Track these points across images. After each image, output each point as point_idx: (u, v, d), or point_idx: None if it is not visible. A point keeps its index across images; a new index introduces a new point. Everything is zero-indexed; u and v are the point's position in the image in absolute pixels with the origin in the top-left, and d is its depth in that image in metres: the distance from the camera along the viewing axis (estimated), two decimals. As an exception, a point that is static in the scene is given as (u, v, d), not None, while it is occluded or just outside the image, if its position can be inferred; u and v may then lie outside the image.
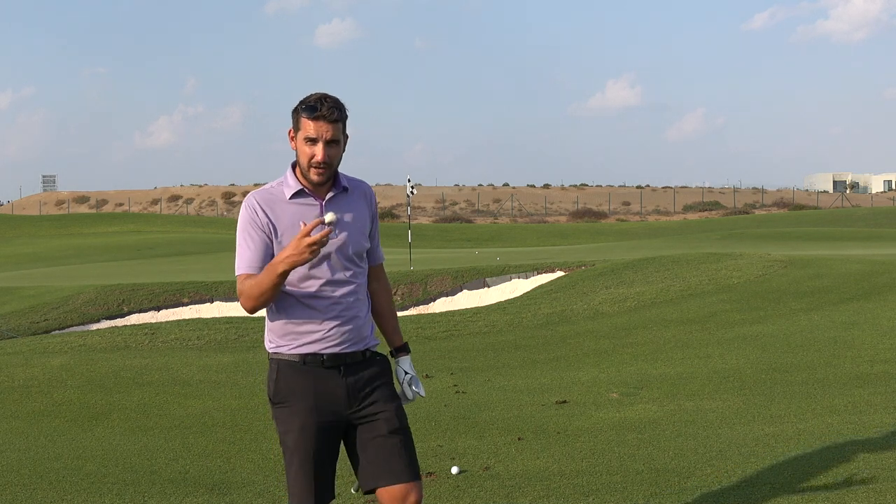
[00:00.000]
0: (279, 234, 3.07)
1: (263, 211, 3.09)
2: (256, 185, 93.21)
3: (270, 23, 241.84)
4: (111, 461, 5.74)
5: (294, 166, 3.13)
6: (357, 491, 3.29)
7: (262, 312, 3.21)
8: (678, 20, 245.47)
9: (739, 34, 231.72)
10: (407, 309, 17.08)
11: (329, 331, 3.09)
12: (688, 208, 71.39)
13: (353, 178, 3.25)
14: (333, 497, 3.19)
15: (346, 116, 3.10)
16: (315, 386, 3.09)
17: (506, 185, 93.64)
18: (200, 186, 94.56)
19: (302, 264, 2.91)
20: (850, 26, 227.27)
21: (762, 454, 5.20)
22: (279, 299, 3.10)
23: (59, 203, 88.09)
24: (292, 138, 3.11)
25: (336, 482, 3.24)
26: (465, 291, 17.82)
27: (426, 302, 17.61)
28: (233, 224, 55.26)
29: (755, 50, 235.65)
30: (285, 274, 2.93)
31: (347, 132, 3.13)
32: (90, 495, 5.00)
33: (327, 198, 3.12)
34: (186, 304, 17.32)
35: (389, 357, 3.33)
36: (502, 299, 15.80)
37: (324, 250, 3.06)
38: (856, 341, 8.87)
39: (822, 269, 13.52)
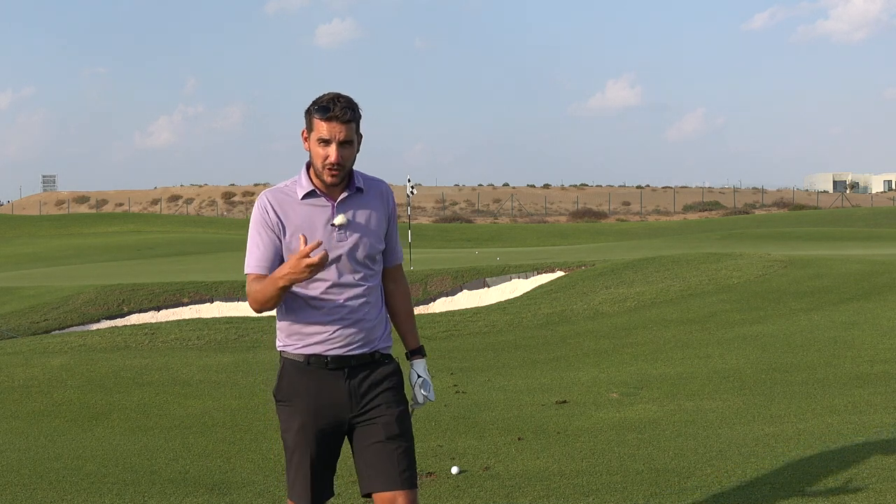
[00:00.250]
0: (288, 234, 3.06)
1: (274, 210, 3.08)
2: (256, 185, 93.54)
3: (270, 23, 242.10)
4: (111, 461, 5.74)
5: (308, 166, 3.10)
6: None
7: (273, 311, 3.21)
8: (678, 20, 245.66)
9: (739, 34, 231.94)
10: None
11: (334, 332, 3.07)
12: (688, 208, 71.39)
13: (371, 177, 3.20)
14: (332, 495, 3.19)
15: (360, 116, 3.07)
16: (318, 387, 3.09)
17: (506, 185, 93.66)
18: (200, 186, 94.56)
19: (301, 282, 2.90)
20: (850, 26, 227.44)
21: (762, 454, 5.20)
22: (289, 299, 3.10)
23: (59, 203, 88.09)
24: (305, 139, 3.08)
25: (335, 481, 3.24)
26: (465, 291, 17.81)
27: (426, 302, 17.61)
28: (232, 224, 55.27)
29: (755, 50, 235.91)
30: (286, 288, 2.93)
31: (361, 132, 3.09)
32: (90, 495, 5.00)
33: (340, 199, 3.09)
34: (186, 304, 17.31)
35: (405, 359, 3.31)
36: (502, 299, 15.80)
37: (333, 253, 3.05)
38: (856, 341, 8.87)
39: (822, 269, 13.52)
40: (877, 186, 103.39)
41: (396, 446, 3.07)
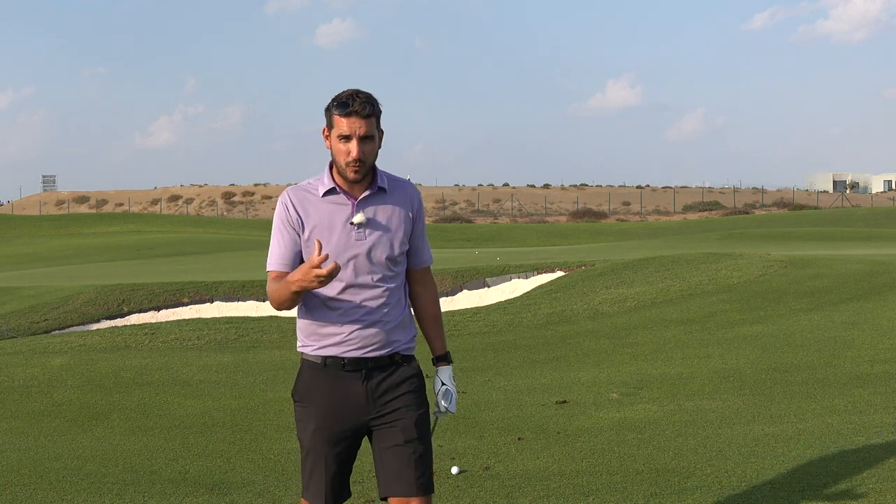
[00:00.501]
0: (306, 231, 3.04)
1: (295, 207, 3.06)
2: (256, 185, 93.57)
3: (270, 23, 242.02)
4: (111, 461, 5.74)
5: (331, 165, 3.08)
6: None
7: (293, 313, 3.20)
8: (678, 20, 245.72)
9: (739, 34, 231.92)
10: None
11: (350, 334, 3.04)
12: (688, 208, 71.38)
13: (397, 177, 3.18)
14: (349, 496, 3.18)
15: (380, 111, 3.04)
16: (334, 388, 3.07)
17: (506, 185, 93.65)
18: (200, 186, 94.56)
19: (312, 290, 2.89)
20: (850, 26, 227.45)
21: (762, 454, 5.20)
22: (307, 299, 3.08)
23: (59, 203, 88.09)
24: (326, 137, 3.05)
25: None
26: (465, 291, 17.81)
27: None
28: (232, 224, 55.29)
29: (755, 50, 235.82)
30: (299, 293, 2.92)
31: (382, 127, 3.07)
32: (90, 495, 5.00)
33: (361, 197, 3.06)
34: (186, 304, 17.30)
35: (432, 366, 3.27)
36: (502, 299, 15.79)
37: (350, 252, 3.03)
38: (856, 341, 8.87)
39: (822, 269, 13.52)
40: (877, 186, 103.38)
41: (413, 451, 3.04)
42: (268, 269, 3.09)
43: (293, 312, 3.22)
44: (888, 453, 5.03)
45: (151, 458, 5.81)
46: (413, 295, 3.25)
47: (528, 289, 16.35)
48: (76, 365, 8.99)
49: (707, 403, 6.85)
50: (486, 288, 17.91)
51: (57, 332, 14.78)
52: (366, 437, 3.16)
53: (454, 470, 5.21)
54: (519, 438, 5.98)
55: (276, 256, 3.07)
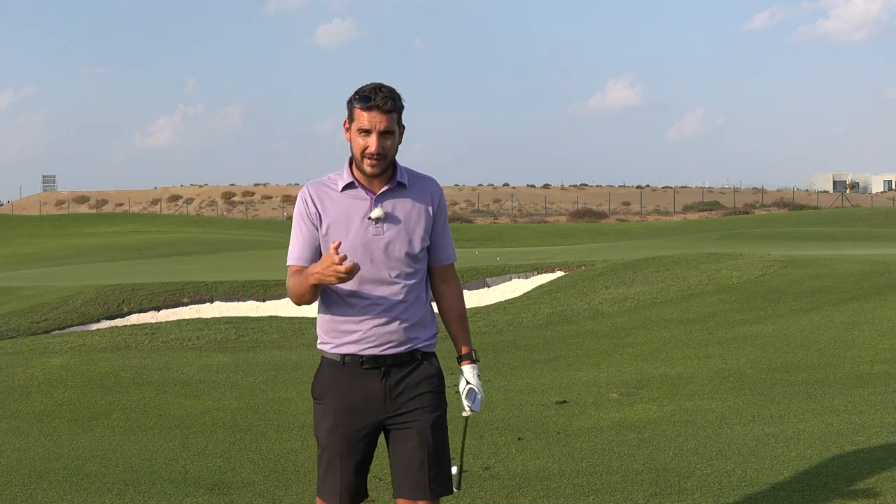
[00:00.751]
0: (324, 225, 3.03)
1: (314, 202, 3.05)
2: (256, 186, 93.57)
3: (270, 23, 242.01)
4: (111, 461, 5.74)
5: (352, 160, 3.06)
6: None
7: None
8: (678, 20, 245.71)
9: (739, 34, 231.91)
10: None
11: (368, 331, 3.02)
12: (688, 208, 71.39)
13: (419, 173, 3.15)
14: (366, 496, 3.15)
15: (402, 106, 3.01)
16: (352, 386, 3.05)
17: (506, 185, 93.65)
18: (200, 186, 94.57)
19: (330, 284, 2.86)
20: (850, 26, 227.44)
21: (762, 454, 5.20)
22: (325, 295, 3.06)
23: (59, 203, 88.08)
24: (347, 129, 3.03)
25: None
26: (465, 292, 17.79)
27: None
28: (232, 224, 55.27)
29: (755, 50, 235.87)
30: (317, 287, 2.90)
31: (404, 123, 3.05)
32: (90, 495, 5.00)
33: (379, 192, 3.04)
34: (186, 304, 17.30)
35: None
36: (502, 299, 15.79)
37: (367, 248, 3.01)
38: (856, 341, 8.87)
39: (822, 269, 13.52)
40: (877, 186, 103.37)
41: (428, 453, 3.03)
42: (287, 264, 3.06)
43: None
44: (888, 453, 5.03)
45: (151, 458, 5.81)
46: (436, 292, 3.22)
47: (528, 289, 16.35)
48: (76, 365, 8.98)
49: (707, 403, 6.85)
50: (486, 288, 17.91)
51: (57, 332, 14.78)
52: (382, 436, 3.14)
53: (454, 470, 5.20)
54: (519, 438, 5.98)
55: (295, 251, 3.06)
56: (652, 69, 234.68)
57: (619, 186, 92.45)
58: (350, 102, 3.00)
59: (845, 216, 47.39)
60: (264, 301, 17.08)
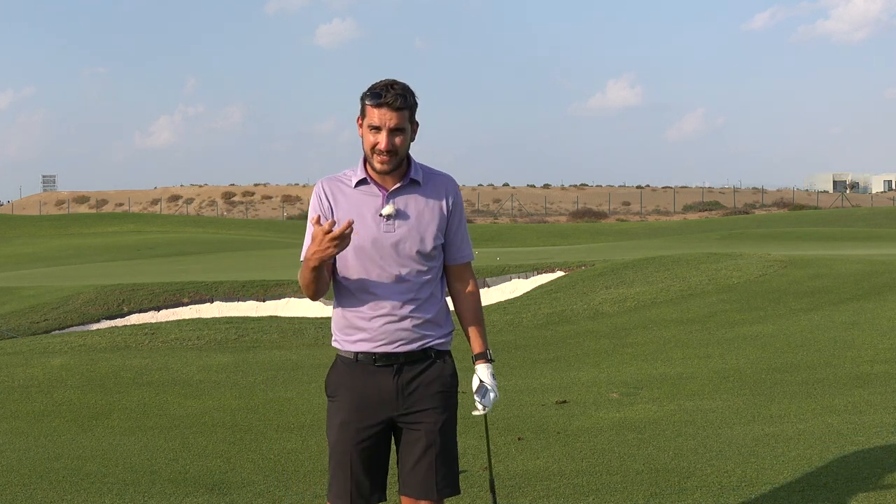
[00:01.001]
0: (336, 221, 3.00)
1: (327, 197, 3.05)
2: (256, 186, 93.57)
3: (270, 23, 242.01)
4: (111, 461, 5.74)
5: (366, 156, 3.04)
6: None
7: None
8: (678, 20, 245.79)
9: (739, 34, 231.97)
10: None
11: (380, 328, 3.01)
12: (688, 208, 71.38)
13: (435, 170, 3.13)
14: (383, 498, 3.11)
15: (415, 104, 3.00)
16: (365, 385, 3.04)
17: (506, 185, 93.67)
18: (200, 186, 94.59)
19: (331, 257, 2.84)
20: (850, 26, 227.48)
21: (762, 454, 5.20)
22: (338, 292, 3.06)
23: (59, 203, 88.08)
24: (360, 126, 3.02)
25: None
26: (465, 291, 17.79)
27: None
28: (232, 224, 55.26)
29: (755, 50, 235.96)
30: (318, 268, 2.89)
31: (417, 120, 3.03)
32: (90, 495, 5.00)
33: (392, 189, 3.03)
34: (186, 304, 17.30)
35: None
36: (502, 299, 15.78)
37: (378, 245, 2.99)
38: (856, 341, 8.87)
39: (822, 269, 13.52)
40: (877, 186, 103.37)
41: (436, 454, 3.03)
42: (301, 259, 3.03)
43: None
44: (888, 453, 5.03)
45: (151, 458, 5.81)
46: (452, 291, 3.20)
47: (528, 289, 16.34)
48: (76, 365, 8.98)
49: (707, 403, 6.85)
50: (486, 288, 17.90)
51: (57, 332, 14.78)
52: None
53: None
54: (519, 438, 5.98)
55: (307, 246, 3.03)
56: (652, 69, 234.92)
57: (619, 186, 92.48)
58: (362, 99, 2.99)
59: (845, 216, 47.38)
60: (264, 301, 17.08)
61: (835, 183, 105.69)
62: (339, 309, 3.08)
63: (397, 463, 3.10)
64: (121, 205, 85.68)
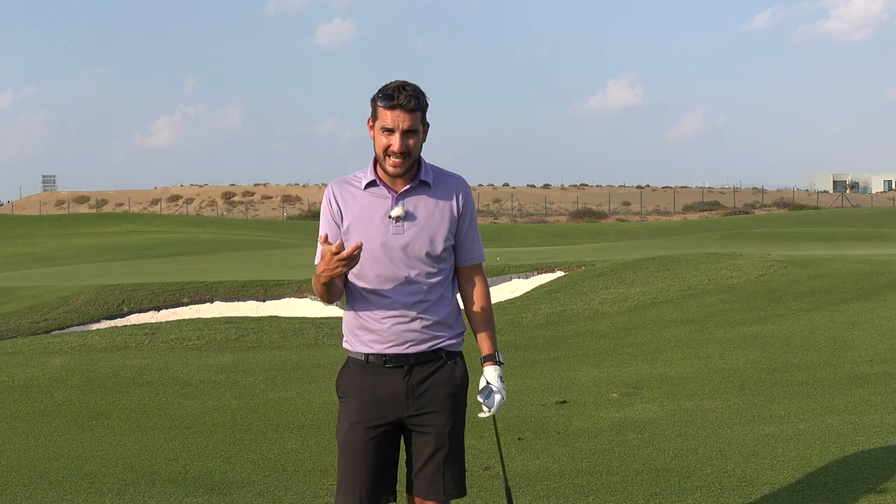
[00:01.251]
0: (346, 223, 3.02)
1: (336, 200, 3.05)
2: (256, 186, 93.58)
3: (270, 23, 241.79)
4: (111, 461, 5.74)
5: (376, 158, 3.03)
6: None
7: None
8: (678, 20, 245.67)
9: (739, 34, 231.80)
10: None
11: (390, 329, 3.01)
12: (688, 208, 71.38)
13: (446, 171, 3.12)
14: (392, 499, 3.11)
15: (426, 105, 2.99)
16: (374, 385, 3.04)
17: (506, 185, 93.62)
18: (200, 186, 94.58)
19: (340, 275, 2.86)
20: (850, 26, 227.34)
21: (762, 454, 5.20)
22: (349, 295, 3.06)
23: (59, 203, 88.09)
24: (371, 127, 3.02)
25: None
26: (465, 291, 17.79)
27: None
28: (232, 224, 55.26)
29: (755, 50, 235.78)
30: (328, 284, 2.90)
31: (428, 121, 3.03)
32: (90, 495, 5.00)
33: (401, 191, 3.02)
34: (186, 304, 17.30)
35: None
36: (502, 299, 15.78)
37: (387, 247, 2.99)
38: (856, 341, 8.87)
39: (822, 269, 13.52)
40: (877, 186, 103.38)
41: (444, 456, 3.05)
42: (316, 263, 3.03)
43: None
44: (888, 453, 5.03)
45: (151, 458, 5.81)
46: (462, 292, 3.19)
47: (528, 289, 16.35)
48: (76, 365, 8.99)
49: (707, 403, 6.85)
50: (486, 288, 17.89)
51: (57, 332, 14.79)
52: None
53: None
54: (519, 438, 5.98)
55: (319, 250, 3.04)
56: (652, 69, 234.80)
57: (619, 186, 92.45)
58: (374, 100, 2.98)
59: (845, 216, 47.39)
60: (264, 301, 17.08)
61: (835, 183, 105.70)
62: (351, 311, 3.08)
63: (406, 463, 3.13)
64: (121, 205, 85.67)
